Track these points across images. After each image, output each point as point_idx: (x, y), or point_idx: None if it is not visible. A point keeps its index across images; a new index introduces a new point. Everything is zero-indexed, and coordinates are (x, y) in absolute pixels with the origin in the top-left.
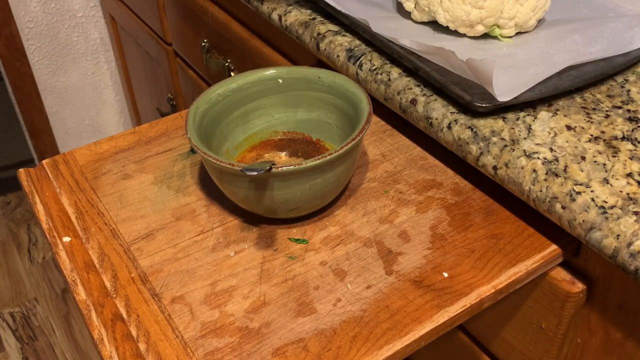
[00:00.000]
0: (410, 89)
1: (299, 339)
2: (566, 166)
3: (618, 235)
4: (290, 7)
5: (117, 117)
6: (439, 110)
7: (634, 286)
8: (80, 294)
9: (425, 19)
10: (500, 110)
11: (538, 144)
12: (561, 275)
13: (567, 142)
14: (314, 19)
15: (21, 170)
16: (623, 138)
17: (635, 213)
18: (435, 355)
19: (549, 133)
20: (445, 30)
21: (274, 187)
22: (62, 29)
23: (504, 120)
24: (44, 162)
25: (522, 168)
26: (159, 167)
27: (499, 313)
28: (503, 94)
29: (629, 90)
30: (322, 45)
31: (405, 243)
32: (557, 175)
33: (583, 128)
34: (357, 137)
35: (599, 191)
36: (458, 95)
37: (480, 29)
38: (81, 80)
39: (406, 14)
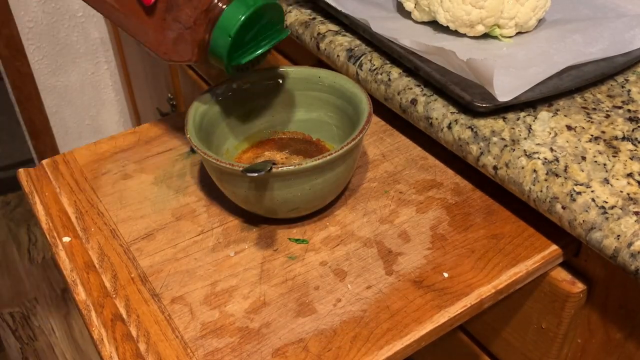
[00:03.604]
0: (411, 89)
1: (299, 339)
2: (566, 166)
3: (618, 236)
4: (290, 7)
5: (117, 117)
6: (439, 110)
7: (634, 286)
8: (80, 294)
9: (425, 18)
10: (501, 110)
11: (538, 144)
12: (561, 275)
13: (567, 142)
14: (314, 18)
15: (21, 170)
16: (623, 138)
17: (636, 213)
18: (435, 356)
19: (550, 133)
20: (445, 30)
21: (274, 188)
22: (62, 29)
23: (504, 120)
24: (44, 162)
25: (523, 168)
26: (159, 167)
27: (500, 313)
28: (503, 94)
29: (629, 90)
30: (322, 45)
31: (405, 243)
32: (557, 176)
33: (583, 128)
34: (357, 137)
35: (600, 191)
36: (458, 95)
37: (480, 29)
38: (81, 80)
39: (406, 14)
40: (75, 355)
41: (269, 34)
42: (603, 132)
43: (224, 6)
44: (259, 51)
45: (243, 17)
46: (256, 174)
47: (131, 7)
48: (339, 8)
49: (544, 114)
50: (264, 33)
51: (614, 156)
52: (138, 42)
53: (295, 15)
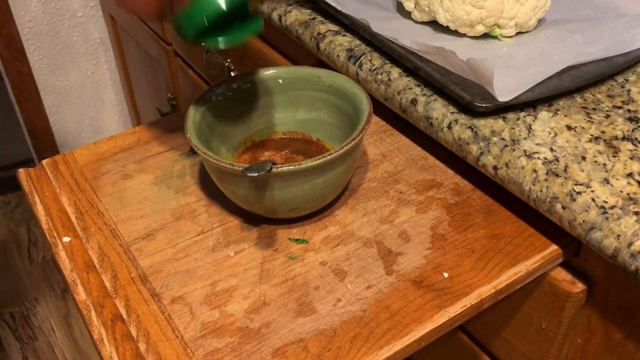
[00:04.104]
0: (411, 88)
1: (299, 339)
2: (566, 166)
3: (618, 236)
4: (290, 7)
5: (117, 117)
6: (439, 110)
7: (634, 286)
8: (80, 294)
9: (425, 18)
10: (501, 110)
11: (538, 144)
12: (561, 275)
13: (567, 142)
14: (314, 18)
15: (21, 170)
16: (623, 138)
17: (636, 213)
18: (435, 356)
19: (549, 133)
20: (445, 30)
21: (274, 187)
22: (62, 29)
23: (504, 120)
24: (44, 162)
25: (523, 168)
26: (159, 167)
27: (500, 313)
28: (503, 94)
29: (629, 90)
30: (322, 45)
31: (405, 243)
32: (557, 175)
33: (583, 128)
34: (357, 137)
35: (600, 191)
36: (458, 95)
37: (480, 29)
38: (81, 80)
39: (406, 14)
40: (75, 355)
41: (244, 18)
42: (603, 132)
43: None
44: (234, 39)
45: (226, 8)
46: (256, 174)
47: None
48: (339, 8)
49: (544, 114)
50: (237, 15)
51: (614, 156)
52: None
53: (295, 15)
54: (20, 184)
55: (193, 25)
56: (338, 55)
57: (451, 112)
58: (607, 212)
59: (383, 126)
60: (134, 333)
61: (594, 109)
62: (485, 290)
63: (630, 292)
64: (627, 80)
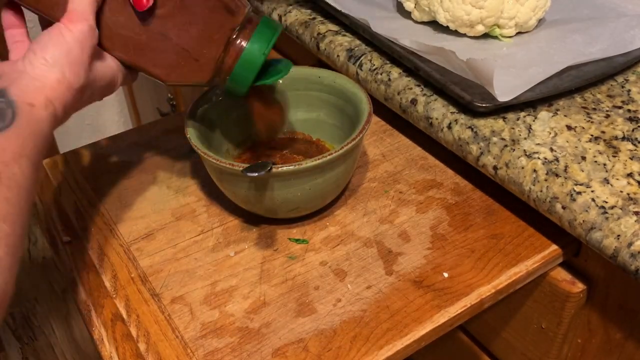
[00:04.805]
0: (411, 88)
1: (299, 339)
2: (566, 166)
3: (618, 236)
4: (290, 7)
5: (117, 117)
6: (439, 110)
7: (634, 286)
8: (80, 294)
9: (425, 18)
10: (501, 110)
11: (538, 144)
12: (561, 275)
13: (567, 142)
14: (314, 18)
15: None
16: (623, 138)
17: (636, 213)
18: (435, 355)
19: (549, 133)
20: (445, 30)
21: (275, 187)
22: None
23: (504, 120)
24: (44, 161)
25: (523, 168)
26: (159, 167)
27: (500, 313)
28: (503, 94)
29: (629, 90)
30: (322, 45)
31: (405, 243)
32: (557, 175)
33: (583, 128)
34: (358, 137)
35: (600, 191)
36: (458, 95)
37: (480, 29)
38: None
39: (406, 14)
40: (75, 355)
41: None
42: (603, 132)
43: (244, 43)
44: (279, 76)
45: (267, 51)
46: (256, 174)
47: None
48: (339, 8)
49: (544, 114)
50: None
51: (614, 156)
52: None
53: (295, 15)
54: None
55: (243, 82)
56: (338, 55)
57: (451, 112)
58: (607, 212)
59: (383, 126)
60: (134, 333)
61: (594, 109)
62: (485, 290)
63: (630, 292)
64: (627, 80)
